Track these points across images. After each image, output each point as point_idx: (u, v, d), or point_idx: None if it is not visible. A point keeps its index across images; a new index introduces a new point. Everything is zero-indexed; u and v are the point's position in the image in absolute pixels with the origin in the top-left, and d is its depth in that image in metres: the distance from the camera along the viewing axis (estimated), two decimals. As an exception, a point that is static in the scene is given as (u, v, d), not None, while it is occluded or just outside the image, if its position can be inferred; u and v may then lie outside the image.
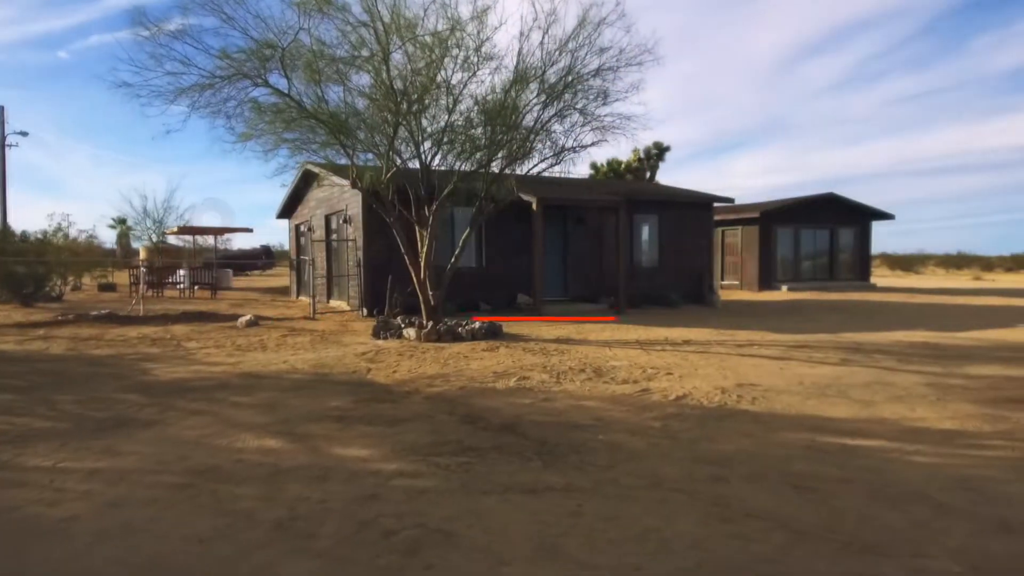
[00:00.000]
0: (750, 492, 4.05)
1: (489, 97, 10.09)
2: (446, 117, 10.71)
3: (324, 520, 3.60)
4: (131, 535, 3.44)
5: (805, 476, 4.34)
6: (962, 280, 36.61)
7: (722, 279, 27.31)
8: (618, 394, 6.77)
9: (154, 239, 28.59)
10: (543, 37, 10.44)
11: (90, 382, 7.35)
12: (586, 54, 10.72)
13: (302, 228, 19.72)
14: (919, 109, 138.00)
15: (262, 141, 10.31)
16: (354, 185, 10.16)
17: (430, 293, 11.21)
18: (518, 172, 11.99)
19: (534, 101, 10.60)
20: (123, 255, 37.33)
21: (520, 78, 10.41)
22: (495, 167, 11.35)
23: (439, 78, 9.39)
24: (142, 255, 32.39)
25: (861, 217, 28.12)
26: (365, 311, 14.53)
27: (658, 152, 34.04)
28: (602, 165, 36.17)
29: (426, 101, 9.62)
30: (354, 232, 15.04)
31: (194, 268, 22.23)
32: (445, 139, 10.56)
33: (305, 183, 18.34)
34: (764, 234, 25.86)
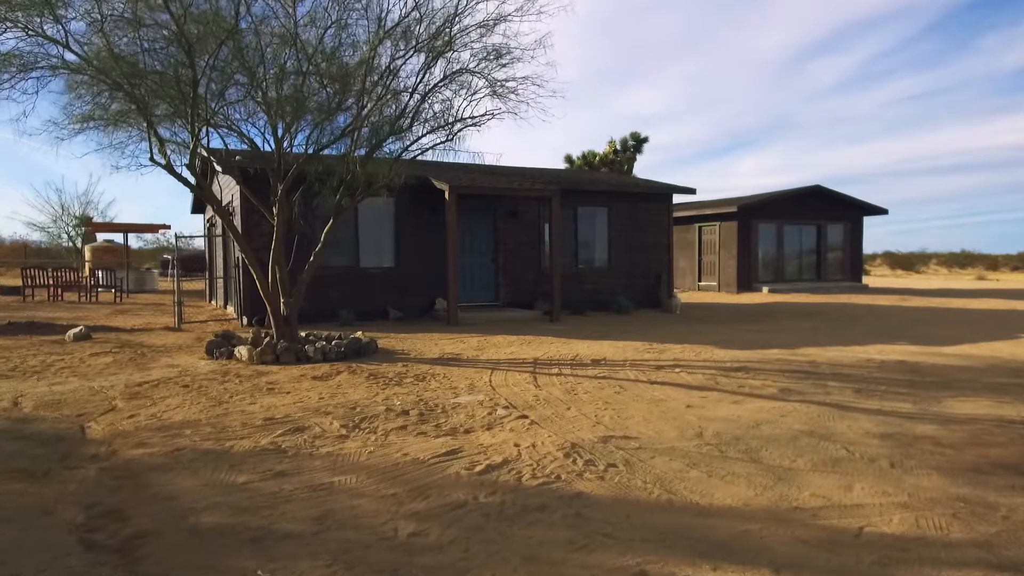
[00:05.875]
0: None
1: (325, 48, 7.82)
2: (300, 81, 8.47)
3: None
4: None
5: None
6: (964, 280, 34.21)
7: (699, 280, 25.06)
8: (410, 460, 4.51)
9: (73, 237, 26.30)
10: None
11: None
12: (469, -1, 8.47)
13: (211, 224, 17.50)
14: (926, 108, 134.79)
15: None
16: (152, 159, 7.88)
17: (281, 302, 8.97)
18: (410, 153, 9.74)
19: (396, 55, 8.33)
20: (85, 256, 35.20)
21: (379, 28, 8.15)
22: (363, 144, 9.11)
23: (236, 15, 7.08)
24: (87, 255, 30.28)
25: (852, 212, 25.76)
26: (245, 320, 12.30)
27: (635, 143, 31.66)
28: (578, 158, 33.95)
29: (235, 47, 7.32)
30: (237, 226, 12.78)
31: (96, 269, 19.98)
32: (290, 108, 8.30)
33: (212, 171, 16.04)
34: (743, 231, 23.55)
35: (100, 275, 20.32)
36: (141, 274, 22.49)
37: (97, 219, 26.03)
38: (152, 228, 23.56)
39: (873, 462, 4.54)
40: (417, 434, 5.14)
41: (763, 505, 3.80)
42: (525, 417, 5.63)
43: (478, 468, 4.31)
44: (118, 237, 29.15)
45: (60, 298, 18.19)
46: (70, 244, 26.49)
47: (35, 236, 29.63)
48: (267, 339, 8.44)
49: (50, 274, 18.38)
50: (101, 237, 27.33)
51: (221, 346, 8.72)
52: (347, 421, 5.42)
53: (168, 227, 22.98)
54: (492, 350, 9.55)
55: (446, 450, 4.68)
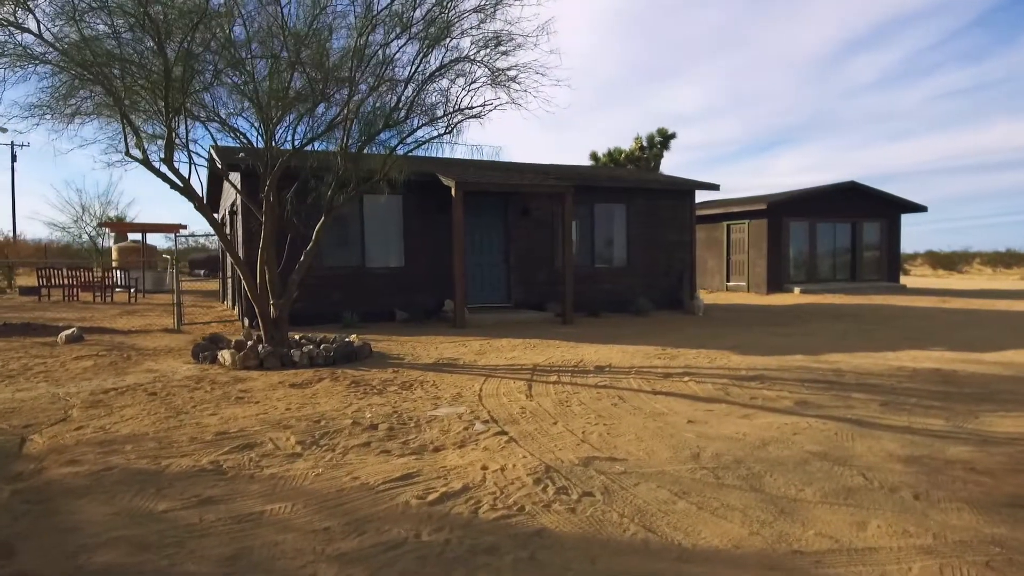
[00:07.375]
0: None
1: (304, 33, 7.36)
2: (289, 75, 8.03)
3: None
4: None
5: None
6: (1009, 280, 32.65)
7: (728, 280, 24.18)
8: (358, 485, 4.01)
9: (95, 237, 26.42)
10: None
11: None
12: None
13: (223, 223, 17.26)
14: (971, 103, 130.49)
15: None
16: (128, 153, 7.51)
17: (270, 303, 8.56)
18: (407, 146, 9.28)
19: (388, 42, 7.85)
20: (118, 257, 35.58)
21: (368, 13, 7.68)
22: (355, 139, 8.67)
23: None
24: (115, 255, 30.56)
25: (888, 209, 24.60)
26: (246, 321, 11.97)
27: (662, 140, 30.80)
28: (603, 155, 33.24)
29: (207, 32, 6.91)
30: (240, 226, 12.49)
31: (119, 269, 19.96)
32: (273, 100, 7.87)
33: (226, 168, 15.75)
34: (773, 229, 22.60)
35: (117, 275, 20.32)
36: (159, 274, 22.48)
37: (119, 219, 26.16)
38: (169, 228, 23.59)
39: (894, 492, 3.90)
40: (379, 452, 4.63)
41: (757, 547, 3.22)
42: (504, 433, 5.09)
43: (431, 497, 3.78)
44: (136, 237, 29.38)
45: (76, 298, 18.17)
46: (92, 244, 26.65)
47: (56, 236, 29.91)
48: (252, 343, 8.03)
49: (65, 274, 18.36)
50: (131, 237, 27.53)
51: (207, 349, 8.34)
52: (306, 437, 4.95)
53: (184, 227, 22.96)
54: (493, 354, 9.03)
55: (402, 473, 4.16)
